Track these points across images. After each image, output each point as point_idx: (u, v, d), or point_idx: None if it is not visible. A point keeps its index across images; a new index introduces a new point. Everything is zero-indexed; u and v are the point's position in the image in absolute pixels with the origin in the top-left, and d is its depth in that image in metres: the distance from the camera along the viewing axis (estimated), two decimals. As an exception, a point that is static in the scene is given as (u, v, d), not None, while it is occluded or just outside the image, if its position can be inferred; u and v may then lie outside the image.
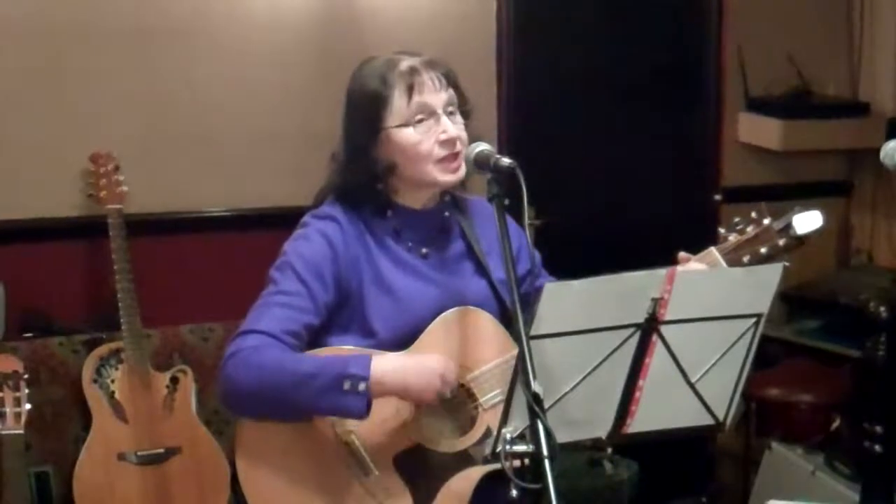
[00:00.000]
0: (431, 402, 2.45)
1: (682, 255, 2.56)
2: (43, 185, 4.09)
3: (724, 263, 2.53)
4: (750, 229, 2.57)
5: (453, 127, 2.53)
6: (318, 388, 2.36)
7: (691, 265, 2.51)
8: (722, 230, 2.61)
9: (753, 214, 2.58)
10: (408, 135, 2.52)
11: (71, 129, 4.12)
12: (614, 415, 2.32)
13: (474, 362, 2.54)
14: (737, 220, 2.61)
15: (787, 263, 2.54)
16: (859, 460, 4.14)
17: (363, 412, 2.38)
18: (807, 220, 2.54)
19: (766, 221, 2.56)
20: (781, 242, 2.55)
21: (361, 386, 2.36)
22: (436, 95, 2.53)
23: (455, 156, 2.53)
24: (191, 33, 4.29)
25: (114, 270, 3.85)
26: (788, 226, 2.55)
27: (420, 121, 2.51)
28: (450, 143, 2.52)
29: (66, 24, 4.10)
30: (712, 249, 2.56)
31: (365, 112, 2.54)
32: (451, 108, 2.55)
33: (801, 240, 2.55)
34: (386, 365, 2.40)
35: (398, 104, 2.51)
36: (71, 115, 4.12)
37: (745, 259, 2.54)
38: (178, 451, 3.83)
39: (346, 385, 2.35)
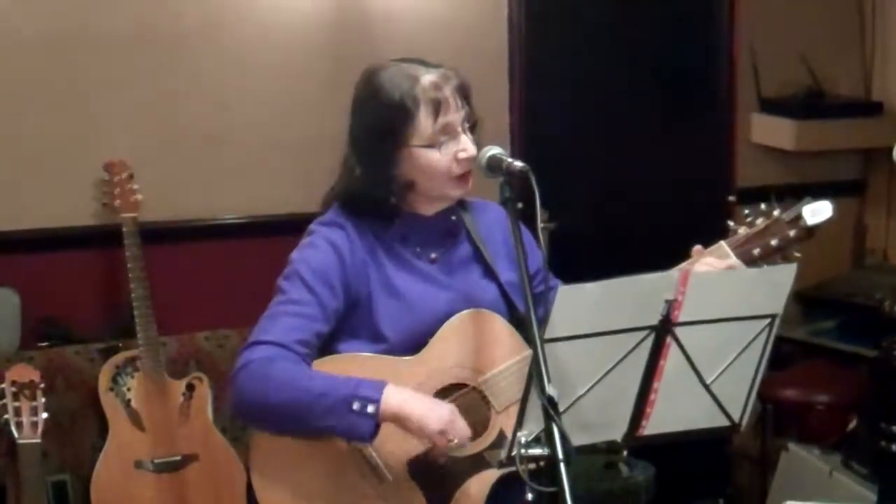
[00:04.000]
0: (433, 437, 2.39)
1: (696, 248, 2.55)
2: (57, 194, 4.11)
3: (733, 257, 2.51)
4: (760, 221, 2.56)
5: (472, 145, 2.53)
6: (327, 405, 2.35)
7: (706, 260, 2.50)
8: (731, 223, 2.59)
9: (763, 206, 2.57)
10: (432, 155, 2.51)
11: (84, 137, 4.13)
12: (629, 417, 2.32)
13: (486, 365, 2.54)
14: (746, 212, 2.59)
15: (798, 254, 2.53)
16: (876, 460, 4.12)
17: (368, 435, 2.37)
18: (817, 211, 2.52)
19: (776, 213, 2.55)
20: (792, 233, 2.53)
21: (370, 408, 2.35)
22: (457, 114, 2.53)
23: (469, 172, 2.54)
24: (203, 41, 4.30)
25: (129, 278, 3.86)
26: (798, 216, 2.53)
27: (443, 142, 2.52)
28: (467, 161, 2.52)
29: (79, 34, 4.11)
30: (722, 243, 2.55)
31: (386, 126, 2.51)
32: (466, 124, 2.56)
33: (812, 230, 2.53)
34: (398, 393, 2.38)
35: (424, 123, 2.50)
36: (84, 123, 4.14)
37: (756, 252, 2.53)
38: (195, 458, 3.84)
39: (356, 406, 2.35)
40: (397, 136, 2.51)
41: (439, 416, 2.38)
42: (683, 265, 2.50)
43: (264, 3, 4.38)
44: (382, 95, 2.52)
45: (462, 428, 2.42)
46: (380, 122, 2.52)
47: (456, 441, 2.40)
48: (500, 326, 2.57)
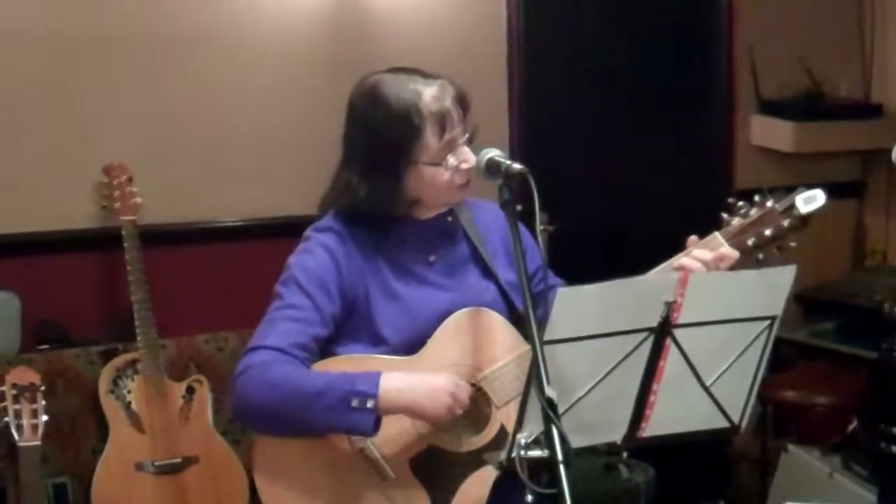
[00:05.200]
0: (441, 420, 2.43)
1: (691, 238, 2.56)
2: (57, 197, 4.11)
3: (727, 247, 2.52)
4: (753, 212, 2.56)
5: (472, 155, 2.54)
6: (326, 405, 2.36)
7: (696, 253, 2.50)
8: (725, 215, 2.60)
9: (756, 197, 2.58)
10: (438, 172, 2.53)
11: (84, 140, 4.13)
12: (629, 419, 2.32)
13: (485, 361, 2.54)
14: (740, 203, 2.60)
15: (793, 243, 2.54)
16: (876, 462, 4.13)
17: (370, 430, 2.38)
18: (809, 199, 2.54)
19: (770, 203, 2.56)
20: (786, 223, 2.54)
21: (369, 403, 2.36)
22: (458, 127, 2.54)
23: (469, 181, 2.55)
24: (202, 45, 4.30)
25: (128, 281, 3.86)
26: (792, 206, 2.54)
27: (446, 157, 2.52)
28: (468, 171, 2.53)
29: (78, 37, 4.11)
30: (716, 234, 2.55)
31: (393, 143, 2.51)
32: (466, 135, 2.56)
33: (805, 219, 2.54)
34: (395, 382, 2.39)
35: (430, 141, 2.50)
36: (83, 126, 4.13)
37: (750, 242, 2.54)
38: (195, 461, 3.84)
39: (355, 402, 2.36)
40: (405, 154, 2.51)
41: (439, 399, 2.40)
42: (678, 256, 2.51)
43: (264, 7, 4.39)
44: (386, 110, 2.51)
45: (464, 389, 2.44)
46: (386, 140, 2.52)
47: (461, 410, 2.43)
48: (497, 323, 2.57)
